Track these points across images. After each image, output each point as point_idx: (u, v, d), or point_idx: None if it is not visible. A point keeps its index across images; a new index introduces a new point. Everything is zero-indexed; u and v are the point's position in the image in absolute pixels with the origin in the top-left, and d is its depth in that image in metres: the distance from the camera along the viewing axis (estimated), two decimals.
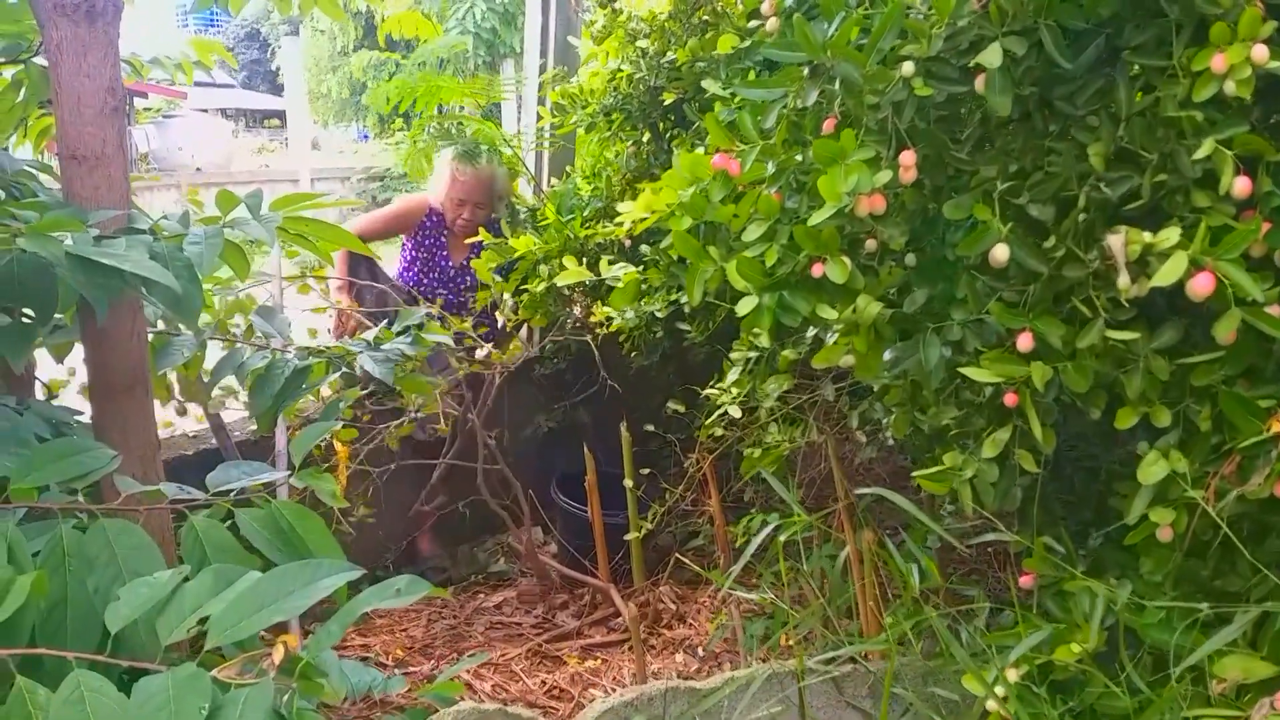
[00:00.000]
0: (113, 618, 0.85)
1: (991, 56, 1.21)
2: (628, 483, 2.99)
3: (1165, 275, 1.11)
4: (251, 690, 0.74)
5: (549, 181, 3.68)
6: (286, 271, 2.60)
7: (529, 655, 2.78)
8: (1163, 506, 1.22)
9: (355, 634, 2.84)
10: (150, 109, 16.50)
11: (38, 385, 1.85)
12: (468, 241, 3.35)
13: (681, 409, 2.89)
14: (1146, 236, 1.15)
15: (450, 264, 3.54)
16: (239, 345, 1.97)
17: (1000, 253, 1.25)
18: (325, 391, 2.45)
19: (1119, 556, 1.50)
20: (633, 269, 1.92)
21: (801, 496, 3.18)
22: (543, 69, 3.64)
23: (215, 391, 2.25)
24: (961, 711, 1.63)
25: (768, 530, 1.70)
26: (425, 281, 3.55)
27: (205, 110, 18.22)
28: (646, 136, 3.11)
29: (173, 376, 2.24)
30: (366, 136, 19.08)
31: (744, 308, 1.40)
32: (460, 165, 3.39)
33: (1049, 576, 1.50)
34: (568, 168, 3.67)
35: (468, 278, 3.50)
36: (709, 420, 2.60)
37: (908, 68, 1.24)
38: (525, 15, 3.82)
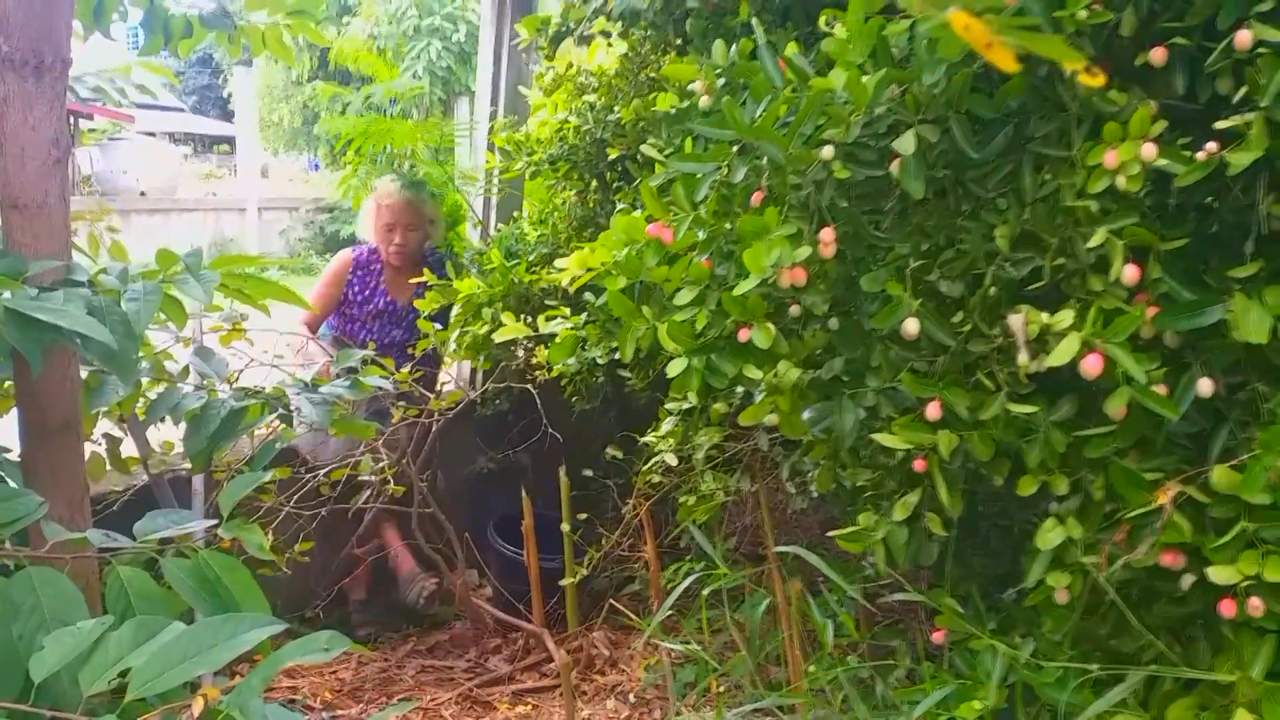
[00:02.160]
0: (37, 667, 0.87)
1: (906, 144, 1.29)
2: (564, 527, 3.02)
3: (1059, 355, 1.18)
4: None
5: (496, 226, 3.73)
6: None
7: (459, 700, 2.78)
8: (1059, 571, 1.30)
9: (283, 675, 2.81)
10: (95, 130, 16.26)
11: None
12: (412, 281, 3.35)
13: (619, 455, 2.94)
14: (1044, 317, 1.23)
15: (399, 304, 3.51)
16: (176, 385, 1.97)
17: (911, 326, 1.32)
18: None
19: (1028, 614, 1.57)
20: (569, 325, 1.97)
21: (735, 543, 3.24)
22: (493, 116, 3.71)
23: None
24: None
25: (688, 581, 1.74)
26: (375, 327, 3.52)
27: (153, 134, 17.95)
28: (594, 185, 3.18)
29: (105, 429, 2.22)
30: (317, 166, 18.96)
31: (674, 369, 1.46)
32: (385, 188, 3.35)
33: (960, 632, 1.56)
34: (515, 213, 3.73)
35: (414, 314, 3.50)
36: (646, 467, 2.65)
37: (827, 151, 1.31)
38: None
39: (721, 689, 2.61)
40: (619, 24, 2.69)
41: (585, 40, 2.70)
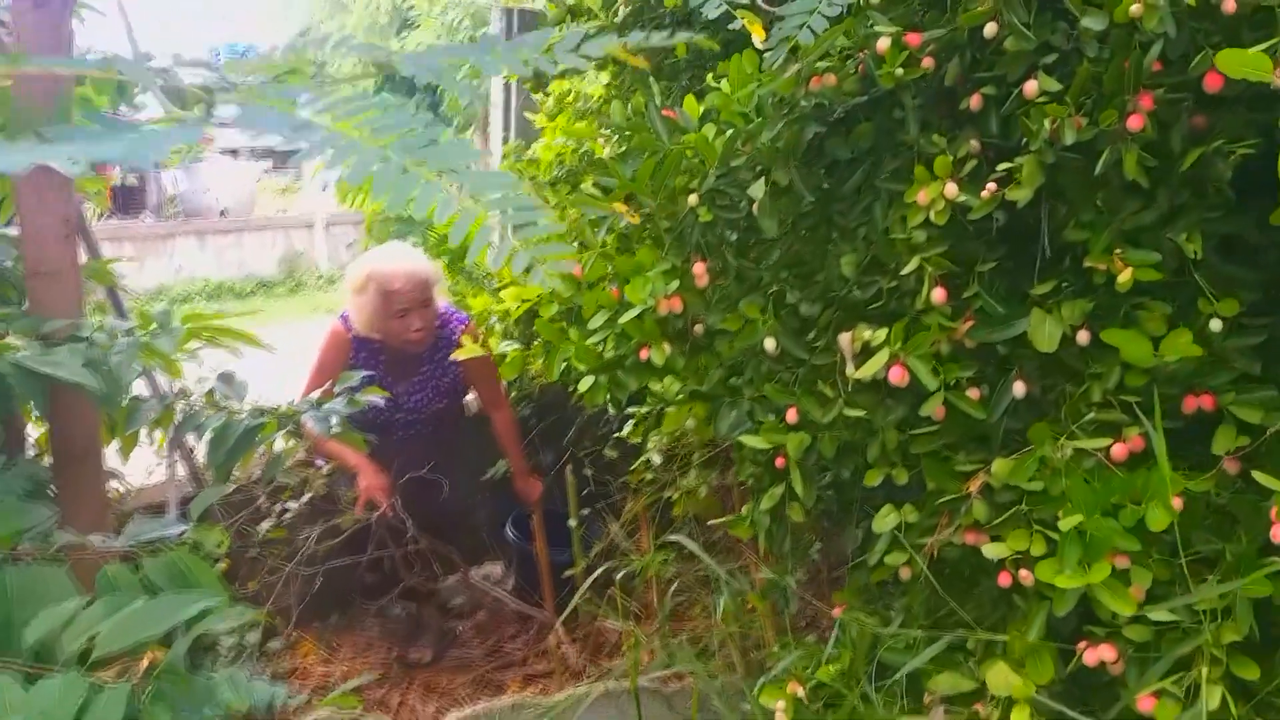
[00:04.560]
0: (30, 634, 1.16)
1: (756, 190, 1.51)
2: (572, 522, 3.28)
3: (870, 367, 1.39)
4: (113, 690, 1.04)
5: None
6: None
7: (474, 683, 3.06)
8: (897, 550, 1.50)
9: (319, 663, 3.14)
10: (178, 152, 17.08)
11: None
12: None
13: (614, 455, 3.19)
14: (866, 334, 1.44)
15: (398, 390, 3.08)
16: (200, 408, 2.29)
17: (769, 343, 1.54)
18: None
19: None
20: (516, 346, 2.23)
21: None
22: (505, 140, 3.99)
23: None
24: None
25: (599, 571, 2.01)
26: (395, 420, 3.14)
27: (235, 150, 18.72)
28: None
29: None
30: None
31: (584, 385, 1.71)
32: (387, 273, 2.87)
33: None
34: None
35: (431, 385, 3.19)
36: (634, 466, 2.90)
37: (692, 199, 1.54)
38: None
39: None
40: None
41: (564, 75, 2.95)
